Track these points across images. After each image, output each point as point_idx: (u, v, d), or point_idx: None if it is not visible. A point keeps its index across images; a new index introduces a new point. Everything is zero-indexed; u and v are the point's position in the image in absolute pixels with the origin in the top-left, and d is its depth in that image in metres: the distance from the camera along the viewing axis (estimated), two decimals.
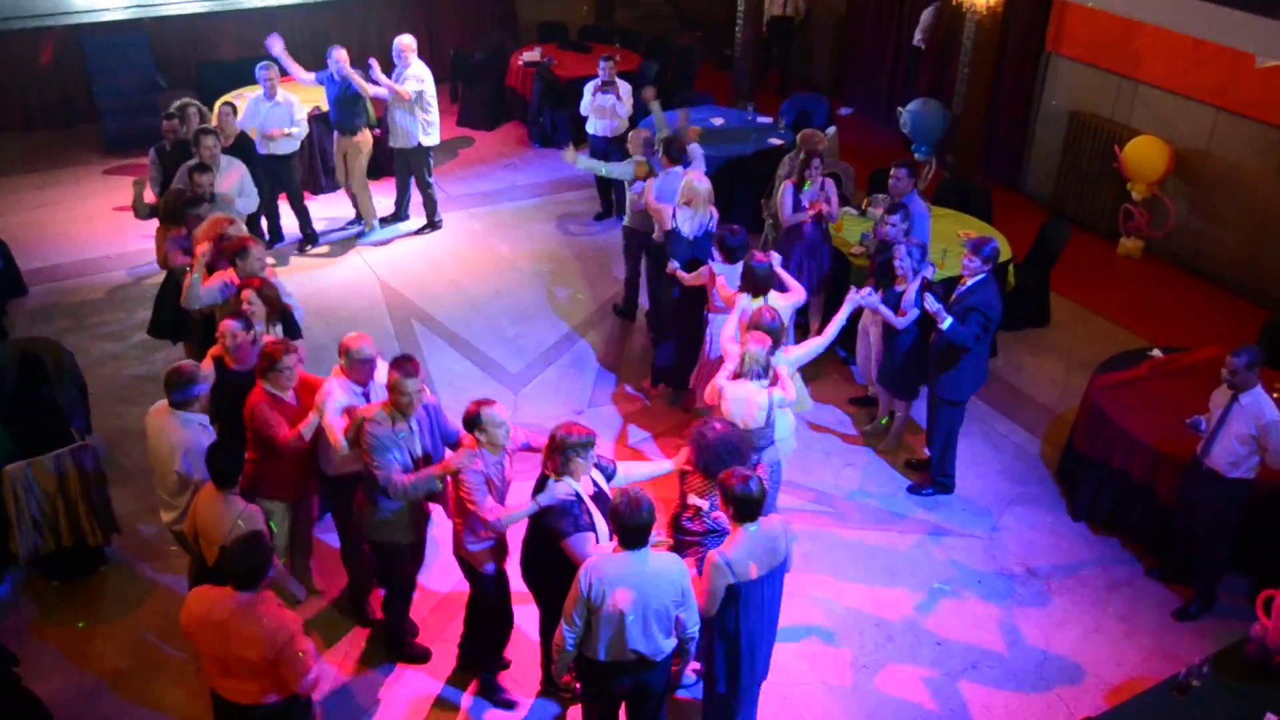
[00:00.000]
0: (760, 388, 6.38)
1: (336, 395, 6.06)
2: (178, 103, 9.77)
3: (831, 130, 10.81)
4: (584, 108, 11.14)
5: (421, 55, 11.04)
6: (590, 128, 11.34)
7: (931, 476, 7.99)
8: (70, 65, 13.49)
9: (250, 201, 9.17)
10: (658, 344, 8.89)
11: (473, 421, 5.59)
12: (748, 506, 5.18)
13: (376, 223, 11.42)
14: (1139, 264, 11.21)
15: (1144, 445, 7.27)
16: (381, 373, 6.16)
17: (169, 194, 8.51)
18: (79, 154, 13.20)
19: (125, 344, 9.56)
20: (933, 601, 7.07)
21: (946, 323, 7.19)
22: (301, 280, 10.49)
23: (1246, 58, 9.21)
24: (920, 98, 11.63)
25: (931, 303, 7.21)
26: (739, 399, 6.39)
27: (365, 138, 10.88)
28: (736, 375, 6.48)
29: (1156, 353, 8.21)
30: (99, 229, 11.36)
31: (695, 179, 8.29)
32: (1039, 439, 8.61)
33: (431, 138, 10.95)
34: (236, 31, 14.01)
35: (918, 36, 13.20)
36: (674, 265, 8.12)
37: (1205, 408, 6.71)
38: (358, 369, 6.12)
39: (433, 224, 11.48)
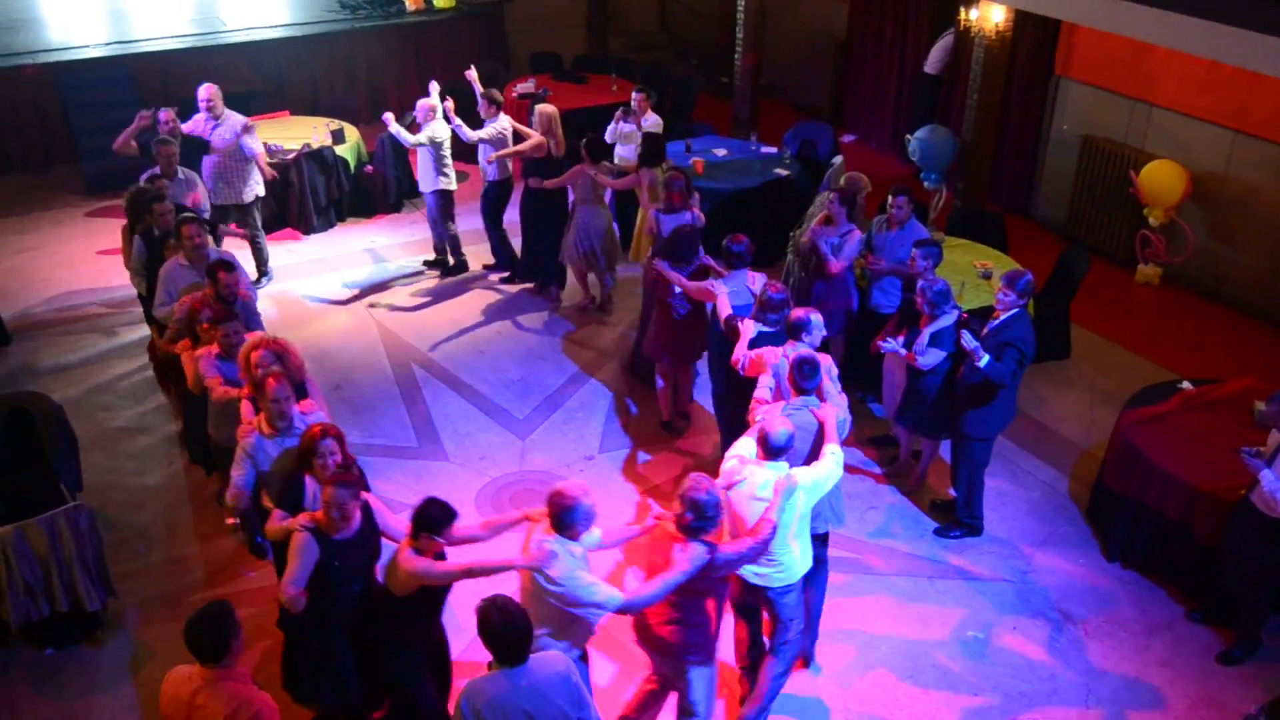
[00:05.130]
0: None
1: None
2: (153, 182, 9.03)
3: (839, 160, 10.56)
4: (609, 134, 10.98)
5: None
6: (616, 154, 11.18)
7: (958, 518, 7.73)
8: (48, 105, 13.16)
9: (255, 292, 8.39)
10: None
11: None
12: None
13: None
14: (1158, 291, 10.99)
15: (1179, 482, 7.03)
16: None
17: (189, 310, 7.24)
18: (59, 196, 12.87)
19: (114, 394, 9.23)
20: (967, 649, 6.81)
21: (984, 360, 6.92)
22: (296, 324, 10.21)
23: (1263, 79, 9.03)
24: (928, 124, 11.40)
25: (969, 340, 6.94)
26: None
27: None
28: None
29: (1186, 385, 7.97)
30: (82, 274, 11.03)
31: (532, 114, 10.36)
32: (1067, 476, 8.36)
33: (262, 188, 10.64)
34: (220, 66, 13.72)
35: (937, 63, 12.96)
36: (537, 179, 9.88)
37: (1240, 442, 6.48)
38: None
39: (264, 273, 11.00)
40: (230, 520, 7.57)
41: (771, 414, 6.04)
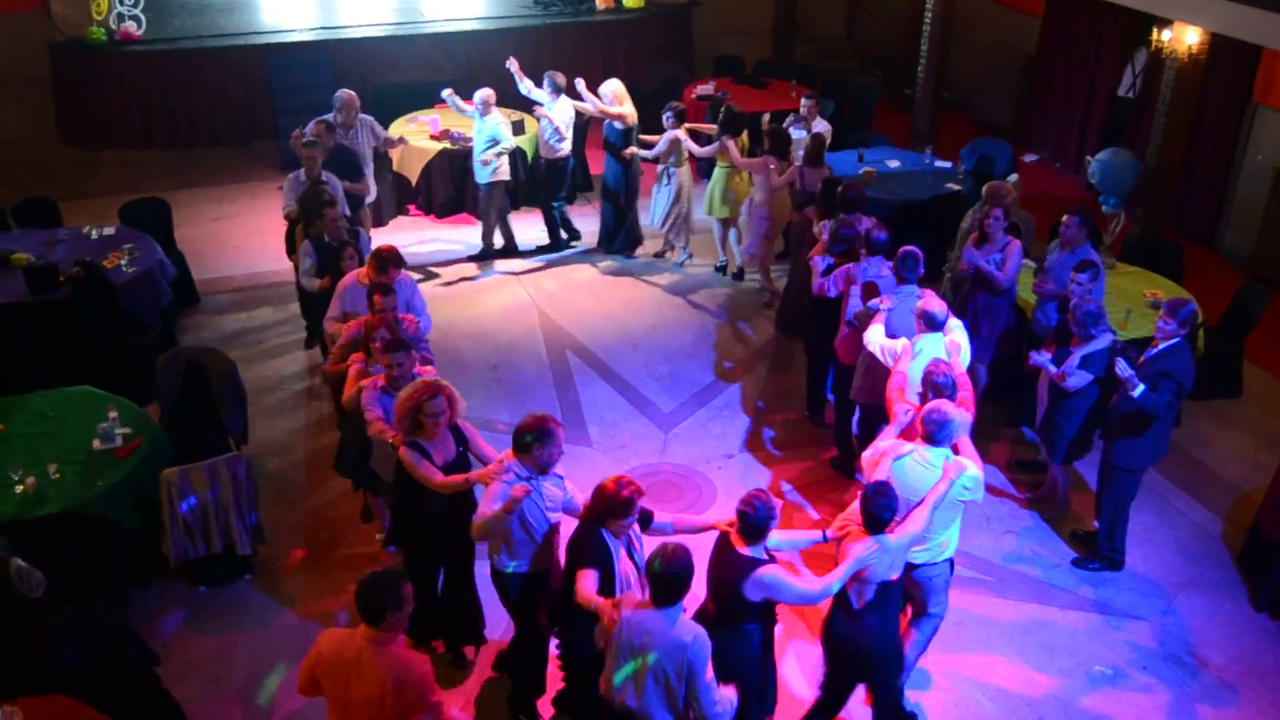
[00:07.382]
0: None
1: None
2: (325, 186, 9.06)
3: (1014, 178, 10.34)
4: None
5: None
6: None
7: (1099, 550, 7.49)
8: (255, 83, 13.98)
9: (427, 322, 7.74)
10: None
11: None
12: None
13: None
14: None
15: None
16: None
17: (366, 327, 6.96)
18: (257, 170, 13.63)
19: (287, 358, 9.77)
20: (1092, 686, 6.60)
21: (1138, 390, 6.72)
22: (462, 305, 10.59)
23: None
24: (1111, 147, 11.04)
25: (1123, 368, 6.73)
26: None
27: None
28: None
29: None
30: (270, 244, 11.59)
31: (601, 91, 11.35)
32: (1221, 519, 8.01)
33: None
34: (415, 55, 14.40)
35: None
36: (632, 149, 11.11)
37: None
38: None
39: None
40: (380, 535, 7.73)
41: (886, 300, 7.28)
